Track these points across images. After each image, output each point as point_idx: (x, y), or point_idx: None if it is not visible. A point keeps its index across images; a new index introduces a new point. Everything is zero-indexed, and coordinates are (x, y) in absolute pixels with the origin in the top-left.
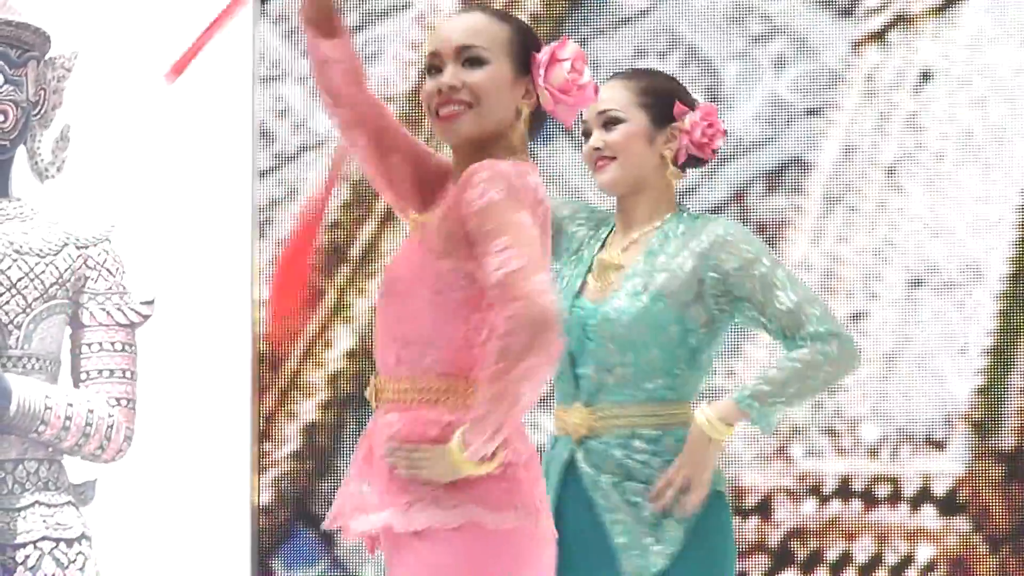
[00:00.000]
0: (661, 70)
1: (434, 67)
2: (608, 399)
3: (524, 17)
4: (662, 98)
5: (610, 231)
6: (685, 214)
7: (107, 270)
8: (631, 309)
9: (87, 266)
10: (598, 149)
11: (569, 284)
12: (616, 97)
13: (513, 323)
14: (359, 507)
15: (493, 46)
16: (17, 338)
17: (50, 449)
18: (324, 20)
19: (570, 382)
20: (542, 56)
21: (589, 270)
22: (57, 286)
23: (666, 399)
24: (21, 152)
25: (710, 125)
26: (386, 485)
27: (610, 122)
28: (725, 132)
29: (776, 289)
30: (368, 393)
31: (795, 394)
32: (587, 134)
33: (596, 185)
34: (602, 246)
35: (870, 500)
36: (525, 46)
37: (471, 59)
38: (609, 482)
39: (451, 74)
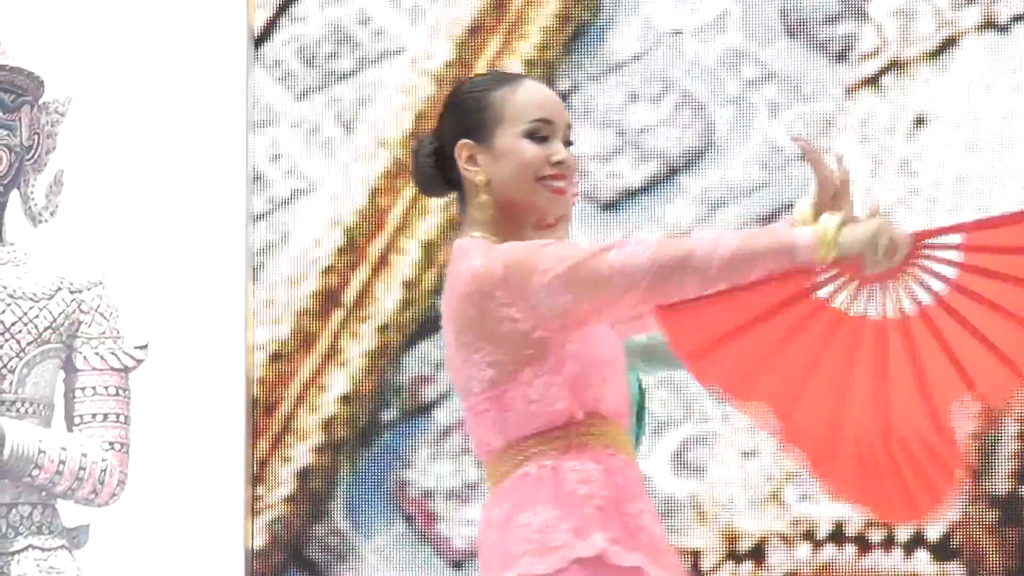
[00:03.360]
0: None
1: (541, 135)
2: None
3: (518, 63)
4: None
5: None
6: None
7: (101, 314)
8: None
9: (81, 310)
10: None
11: None
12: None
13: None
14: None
15: None
16: (11, 382)
17: (44, 493)
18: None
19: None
20: None
21: None
22: (51, 330)
23: None
24: (15, 197)
25: None
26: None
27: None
28: None
29: None
30: (623, 441)
31: None
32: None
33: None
34: None
35: (864, 545)
36: None
37: (567, 142)
38: None
39: (568, 153)
